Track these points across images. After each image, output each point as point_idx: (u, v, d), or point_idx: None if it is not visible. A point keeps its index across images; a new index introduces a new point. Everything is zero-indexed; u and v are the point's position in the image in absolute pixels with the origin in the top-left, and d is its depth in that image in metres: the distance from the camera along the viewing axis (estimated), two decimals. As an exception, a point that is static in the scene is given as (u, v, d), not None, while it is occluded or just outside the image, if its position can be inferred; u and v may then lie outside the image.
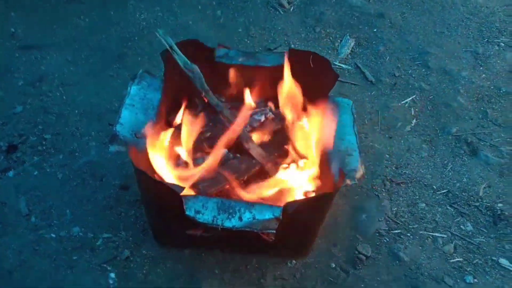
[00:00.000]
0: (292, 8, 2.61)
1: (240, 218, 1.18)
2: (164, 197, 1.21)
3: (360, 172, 1.26)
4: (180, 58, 1.45)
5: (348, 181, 1.23)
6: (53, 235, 1.53)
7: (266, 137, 1.51)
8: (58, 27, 2.37)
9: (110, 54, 2.25)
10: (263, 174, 1.43)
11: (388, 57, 2.36)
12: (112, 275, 1.42)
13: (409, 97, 2.16)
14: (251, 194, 1.32)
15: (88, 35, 2.34)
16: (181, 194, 1.17)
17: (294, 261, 1.49)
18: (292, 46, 2.37)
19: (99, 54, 2.25)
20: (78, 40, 2.31)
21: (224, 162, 1.42)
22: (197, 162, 1.43)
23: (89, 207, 1.61)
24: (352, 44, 2.42)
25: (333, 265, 1.49)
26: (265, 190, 1.33)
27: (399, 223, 1.62)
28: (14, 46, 2.25)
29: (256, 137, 1.50)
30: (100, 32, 2.35)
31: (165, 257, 1.48)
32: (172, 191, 1.15)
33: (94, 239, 1.51)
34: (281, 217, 1.18)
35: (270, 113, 1.55)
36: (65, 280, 1.41)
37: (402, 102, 2.13)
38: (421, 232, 1.61)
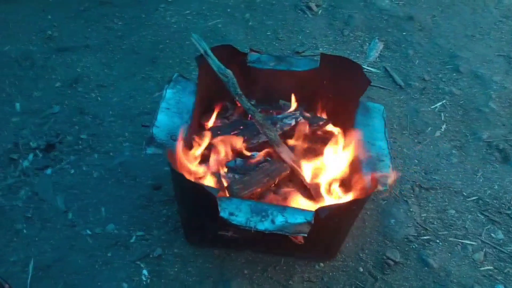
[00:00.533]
0: (320, 11, 2.62)
1: (273, 221, 1.20)
2: (200, 198, 1.25)
3: (391, 178, 1.27)
4: (214, 63, 1.48)
5: (379, 187, 1.24)
6: (89, 232, 1.59)
7: (297, 142, 1.53)
8: (92, 30, 2.45)
9: (142, 57, 2.31)
10: (293, 178, 1.45)
11: (417, 61, 2.34)
12: (145, 272, 1.47)
13: (439, 102, 2.13)
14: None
15: (121, 38, 2.42)
16: (216, 196, 1.21)
17: (322, 264, 1.50)
18: (320, 49, 2.38)
19: (131, 56, 2.32)
20: (112, 42, 2.39)
21: (256, 166, 1.45)
22: (228, 165, 1.47)
23: (123, 205, 1.66)
24: (381, 47, 2.41)
25: (361, 270, 1.50)
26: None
27: (428, 229, 1.62)
28: (51, 49, 2.34)
29: (287, 141, 1.52)
30: (133, 35, 2.43)
31: (195, 256, 1.52)
32: (208, 193, 1.19)
33: (128, 237, 1.57)
34: (313, 221, 1.20)
35: (301, 117, 1.57)
36: (101, 276, 1.47)
37: (432, 107, 2.11)
38: (450, 239, 1.60)
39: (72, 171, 1.79)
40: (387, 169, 1.30)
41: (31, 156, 1.84)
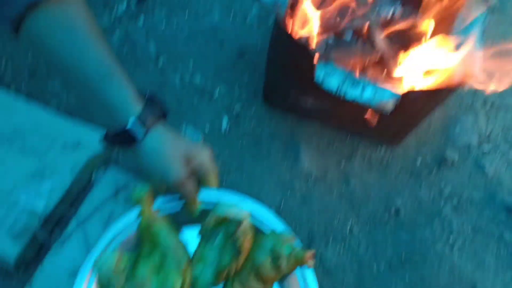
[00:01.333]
0: None
1: (362, 92, 1.30)
2: (297, 58, 1.34)
3: (479, 80, 1.31)
4: None
5: (467, 84, 1.30)
6: (178, 79, 1.74)
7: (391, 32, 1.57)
8: None
9: None
10: (382, 65, 1.51)
11: (519, -15, 2.21)
12: (226, 120, 1.64)
13: (532, 31, 2.06)
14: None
15: None
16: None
17: (383, 149, 1.63)
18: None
19: None
20: None
21: (348, 45, 1.51)
22: (324, 39, 1.53)
23: (209, 63, 1.78)
24: (483, -36, 2.27)
25: (419, 161, 1.62)
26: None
27: (490, 142, 1.69)
28: None
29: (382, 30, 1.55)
30: None
31: (270, 118, 1.66)
32: (309, 53, 1.28)
33: (212, 89, 1.71)
34: (399, 102, 1.29)
35: (399, 8, 1.58)
36: (186, 116, 1.65)
37: (524, 34, 2.05)
38: (510, 155, 1.68)
39: (163, 25, 1.89)
40: (476, 71, 1.34)
41: (125, 4, 1.94)
